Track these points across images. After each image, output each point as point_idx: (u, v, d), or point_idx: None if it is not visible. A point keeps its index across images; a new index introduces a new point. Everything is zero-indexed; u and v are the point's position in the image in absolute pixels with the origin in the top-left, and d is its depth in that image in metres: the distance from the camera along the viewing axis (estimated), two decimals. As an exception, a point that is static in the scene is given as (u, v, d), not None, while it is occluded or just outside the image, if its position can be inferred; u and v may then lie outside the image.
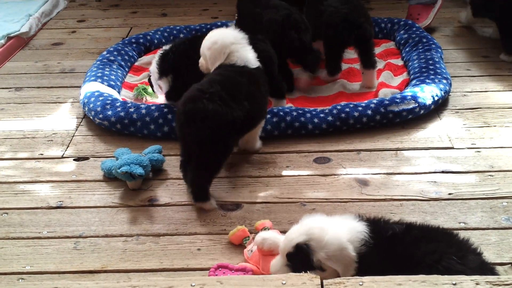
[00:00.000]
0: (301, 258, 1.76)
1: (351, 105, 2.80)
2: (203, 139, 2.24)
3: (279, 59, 2.86)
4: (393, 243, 1.74)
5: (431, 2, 3.84)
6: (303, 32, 3.04)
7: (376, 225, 1.80)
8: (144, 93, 3.08)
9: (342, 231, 1.77)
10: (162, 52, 2.86)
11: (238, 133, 2.41)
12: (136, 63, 3.46)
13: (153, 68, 2.87)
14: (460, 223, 2.17)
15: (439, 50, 3.30)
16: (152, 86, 2.97)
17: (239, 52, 2.46)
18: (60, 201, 2.38)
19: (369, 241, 1.74)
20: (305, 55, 3.08)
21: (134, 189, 2.43)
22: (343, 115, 2.75)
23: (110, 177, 2.50)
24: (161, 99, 3.04)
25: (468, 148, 2.61)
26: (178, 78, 2.80)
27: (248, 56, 2.47)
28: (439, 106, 2.91)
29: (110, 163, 2.49)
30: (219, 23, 3.79)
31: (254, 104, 2.39)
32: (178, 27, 3.76)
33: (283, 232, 2.01)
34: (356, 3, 3.14)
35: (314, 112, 2.78)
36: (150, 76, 2.94)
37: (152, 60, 3.44)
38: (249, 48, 2.51)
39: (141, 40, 3.59)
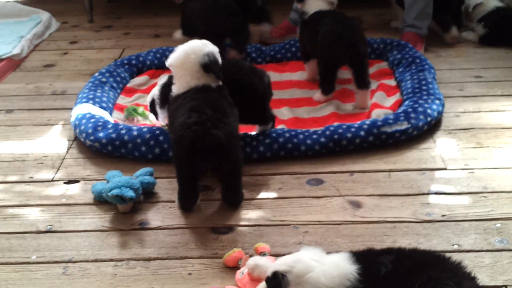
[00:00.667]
0: (274, 285, 1.75)
1: (344, 126, 2.79)
2: (233, 160, 2.37)
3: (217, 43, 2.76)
4: (386, 280, 1.71)
5: (423, 34, 3.86)
6: (232, 15, 3.51)
7: (366, 262, 1.77)
8: (135, 114, 3.06)
9: (328, 275, 1.74)
10: (163, 83, 2.81)
11: None
12: (128, 85, 3.45)
13: (156, 95, 2.82)
14: (453, 245, 2.15)
15: (432, 71, 3.30)
16: (155, 114, 2.88)
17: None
18: (49, 225, 2.35)
19: (358, 286, 1.72)
20: (238, 35, 3.59)
21: (125, 212, 2.40)
22: (336, 136, 2.74)
23: (100, 200, 2.47)
24: (153, 120, 3.03)
25: (462, 169, 2.60)
26: None
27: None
28: (432, 127, 2.90)
29: (101, 186, 2.47)
30: (211, 44, 3.79)
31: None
32: (170, 48, 3.74)
33: (277, 256, 1.99)
34: (352, 23, 3.18)
35: (306, 133, 2.77)
36: (153, 101, 2.86)
37: (146, 81, 3.49)
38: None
39: (134, 62, 3.59)
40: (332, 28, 3.09)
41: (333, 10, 3.30)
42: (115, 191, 2.35)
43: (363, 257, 1.81)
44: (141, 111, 3.07)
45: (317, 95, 3.24)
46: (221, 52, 2.61)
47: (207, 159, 2.31)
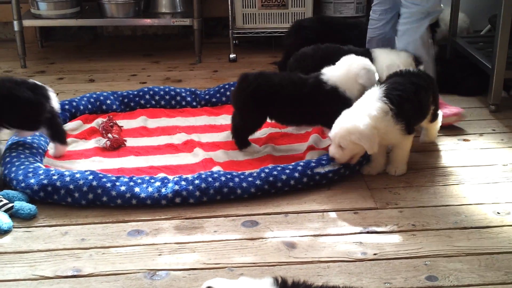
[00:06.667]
0: None
1: (279, 168, 2.83)
2: None
3: None
4: None
5: None
6: None
7: None
8: None
9: None
10: None
11: None
12: (61, 130, 3.41)
13: None
14: (385, 283, 2.19)
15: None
16: None
17: None
18: (-24, 275, 2.27)
19: None
20: None
21: None
22: (271, 178, 2.77)
23: None
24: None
25: (392, 208, 2.67)
26: None
27: None
28: (363, 167, 2.98)
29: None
30: (145, 89, 3.81)
31: None
32: (105, 93, 3.75)
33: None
34: None
35: (242, 176, 2.79)
36: None
37: (79, 126, 3.46)
38: None
39: (67, 107, 3.55)
40: None
41: None
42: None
43: (292, 285, 1.82)
44: None
45: None
46: None
47: None
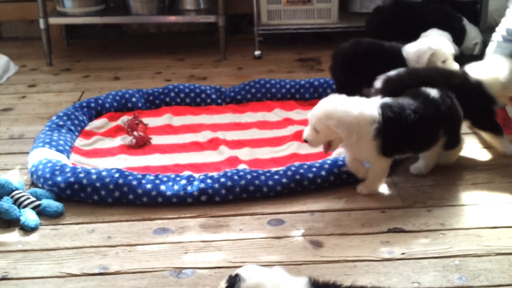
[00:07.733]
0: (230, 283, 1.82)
1: (305, 166, 2.81)
2: None
3: None
4: None
5: None
6: None
7: None
8: None
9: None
10: None
11: None
12: (87, 128, 3.42)
13: None
14: (413, 283, 2.16)
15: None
16: None
17: None
18: (5, 272, 2.28)
19: None
20: None
21: None
22: (297, 176, 2.75)
23: None
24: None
25: (420, 207, 2.63)
26: None
27: None
28: (391, 165, 2.93)
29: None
30: (170, 86, 3.81)
31: None
32: (130, 91, 3.76)
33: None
34: None
35: (268, 174, 2.77)
36: None
37: (105, 124, 3.47)
38: None
39: (92, 104, 3.57)
40: None
41: None
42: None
43: (323, 285, 1.82)
44: None
45: None
46: None
47: None
